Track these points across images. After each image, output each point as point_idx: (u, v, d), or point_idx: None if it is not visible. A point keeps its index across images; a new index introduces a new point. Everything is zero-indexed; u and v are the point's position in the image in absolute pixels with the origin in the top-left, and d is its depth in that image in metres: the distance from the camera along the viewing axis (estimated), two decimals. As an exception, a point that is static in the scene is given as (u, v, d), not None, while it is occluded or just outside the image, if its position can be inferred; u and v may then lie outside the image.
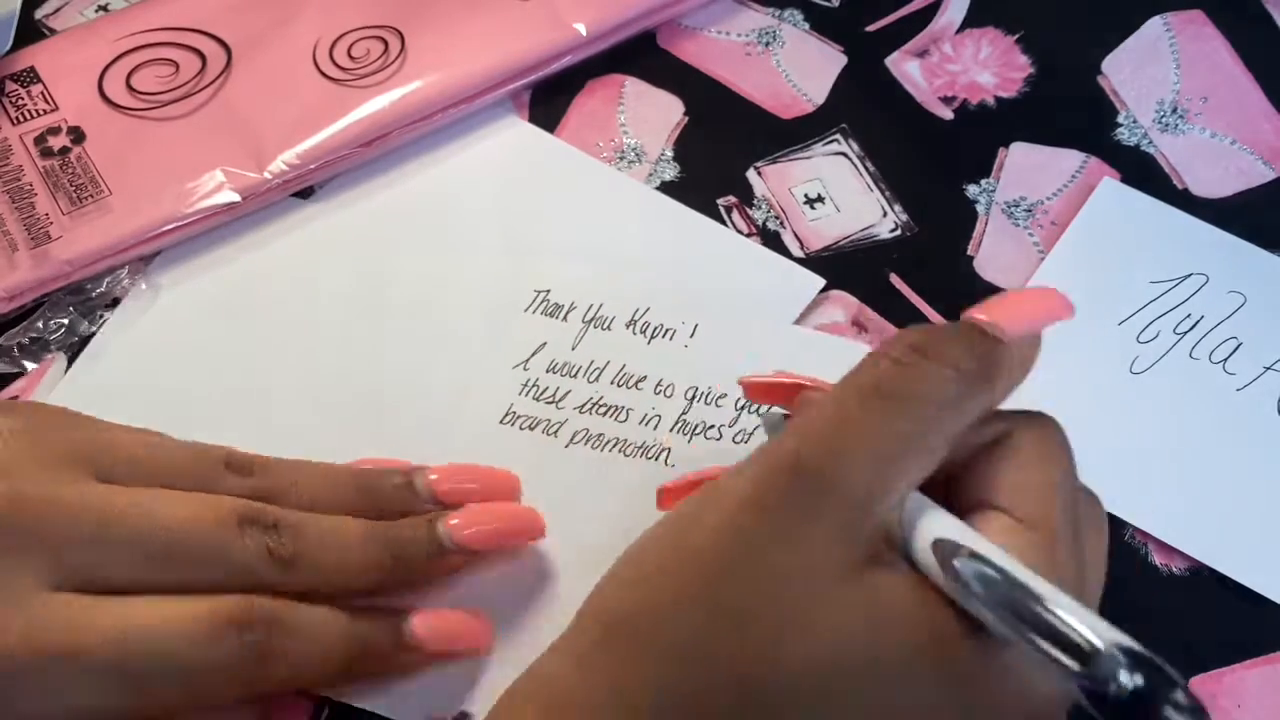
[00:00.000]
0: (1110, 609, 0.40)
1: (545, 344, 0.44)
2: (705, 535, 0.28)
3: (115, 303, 0.45)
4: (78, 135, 0.47)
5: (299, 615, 0.33)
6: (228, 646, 0.31)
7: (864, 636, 0.27)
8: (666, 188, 0.48)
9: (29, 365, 0.44)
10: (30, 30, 0.51)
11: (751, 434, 0.42)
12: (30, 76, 0.48)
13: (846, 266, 0.46)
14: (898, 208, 0.48)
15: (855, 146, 0.49)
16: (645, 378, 0.43)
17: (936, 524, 0.28)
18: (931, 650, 0.27)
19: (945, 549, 0.27)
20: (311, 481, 0.36)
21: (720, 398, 0.42)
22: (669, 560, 0.29)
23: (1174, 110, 0.50)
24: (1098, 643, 0.22)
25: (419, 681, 0.37)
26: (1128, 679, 0.21)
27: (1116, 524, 0.41)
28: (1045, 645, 0.23)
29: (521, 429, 0.42)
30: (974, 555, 0.26)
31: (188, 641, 0.31)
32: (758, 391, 0.36)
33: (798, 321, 0.45)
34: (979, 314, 0.31)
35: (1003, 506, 0.30)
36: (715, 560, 0.28)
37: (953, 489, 0.31)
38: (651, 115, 0.50)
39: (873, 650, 0.27)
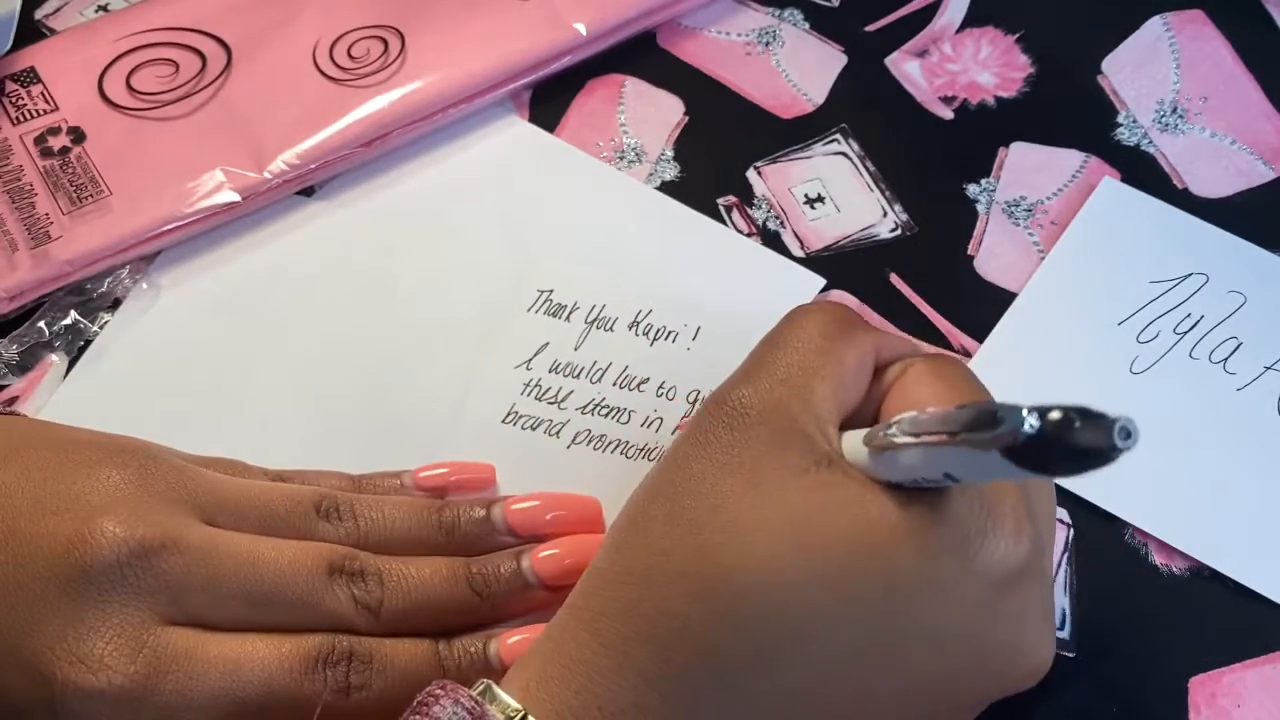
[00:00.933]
0: (1111, 609, 0.40)
1: (548, 344, 0.44)
2: (657, 471, 0.33)
3: (116, 303, 0.45)
4: (78, 135, 0.47)
5: (383, 650, 0.35)
6: (317, 680, 0.34)
7: (809, 524, 0.29)
8: (667, 187, 0.48)
9: (29, 366, 0.44)
10: (30, 30, 0.51)
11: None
12: (30, 76, 0.48)
13: (846, 266, 0.46)
14: (898, 207, 0.48)
15: (855, 146, 0.49)
16: (648, 380, 0.43)
17: (861, 433, 0.31)
18: (870, 534, 0.29)
19: (871, 436, 0.30)
20: (395, 522, 0.38)
21: None
22: (634, 502, 0.33)
23: (1174, 110, 0.50)
24: (1005, 407, 0.24)
25: None
26: (1031, 420, 0.23)
27: (1117, 524, 0.41)
28: (964, 438, 0.25)
29: (523, 429, 0.42)
30: (889, 424, 0.29)
31: (287, 673, 0.34)
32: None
33: (798, 321, 0.45)
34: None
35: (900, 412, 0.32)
36: (666, 487, 0.31)
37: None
38: (651, 115, 0.50)
39: (816, 538, 0.29)
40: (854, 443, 0.31)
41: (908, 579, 0.29)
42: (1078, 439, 0.22)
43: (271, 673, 0.33)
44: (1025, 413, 0.23)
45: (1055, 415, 0.22)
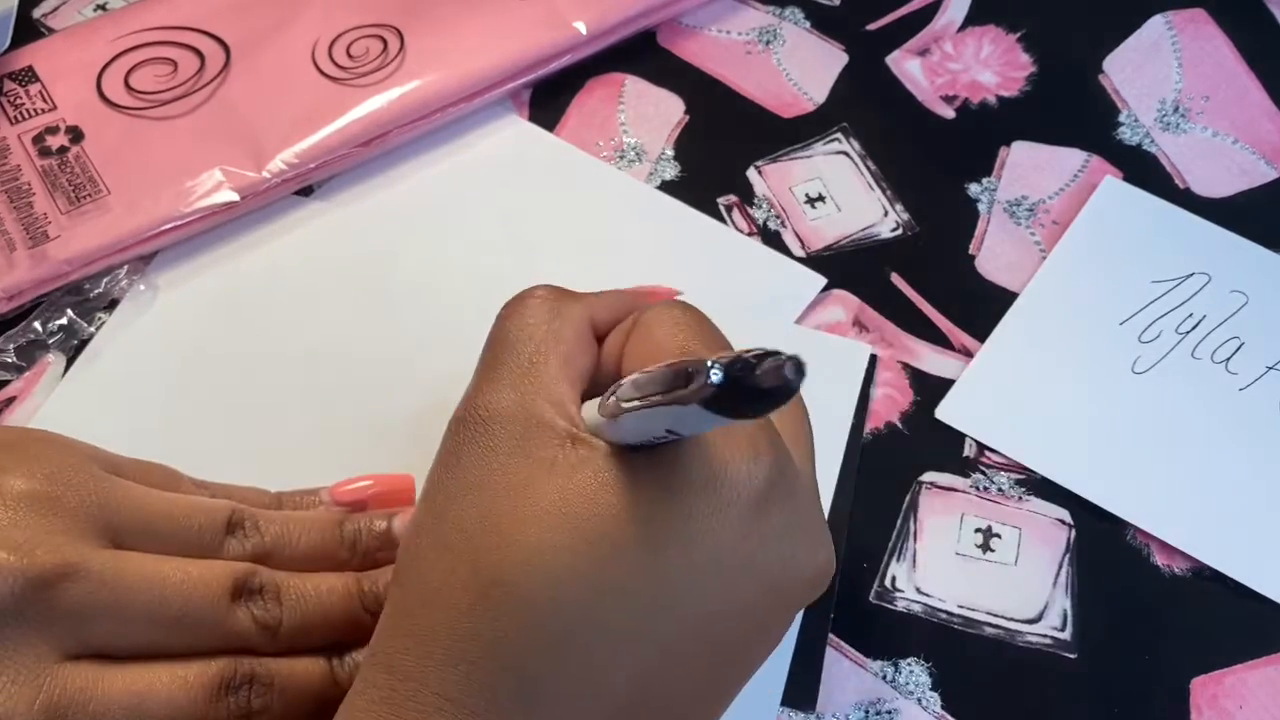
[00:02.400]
0: (1113, 610, 0.40)
1: (545, 344, 0.44)
2: (420, 504, 0.33)
3: (113, 304, 0.45)
4: (76, 135, 0.47)
5: (282, 671, 0.35)
6: (221, 708, 0.33)
7: (567, 508, 0.30)
8: (667, 187, 0.48)
9: (26, 366, 0.44)
10: (28, 29, 0.51)
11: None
12: (28, 76, 0.48)
13: (847, 266, 0.46)
14: (899, 207, 0.47)
15: (856, 145, 0.49)
16: (646, 378, 0.43)
17: (596, 404, 0.32)
18: (621, 498, 0.29)
19: (603, 406, 0.30)
20: (300, 537, 0.38)
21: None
22: (405, 542, 0.33)
23: (1175, 109, 0.50)
24: (695, 364, 0.25)
25: None
26: (715, 371, 0.24)
27: (1118, 524, 0.41)
28: (669, 397, 0.26)
29: (522, 429, 0.42)
30: (616, 388, 0.30)
31: (192, 702, 0.33)
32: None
33: (799, 320, 0.45)
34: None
35: (636, 368, 0.32)
36: (429, 518, 0.32)
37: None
38: (652, 114, 0.50)
39: (577, 519, 0.29)
40: (593, 412, 0.32)
41: (665, 530, 0.30)
42: (758, 382, 0.23)
43: (177, 705, 0.33)
44: (710, 365, 0.24)
45: (735, 362, 0.24)
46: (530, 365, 0.33)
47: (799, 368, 0.24)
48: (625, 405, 0.29)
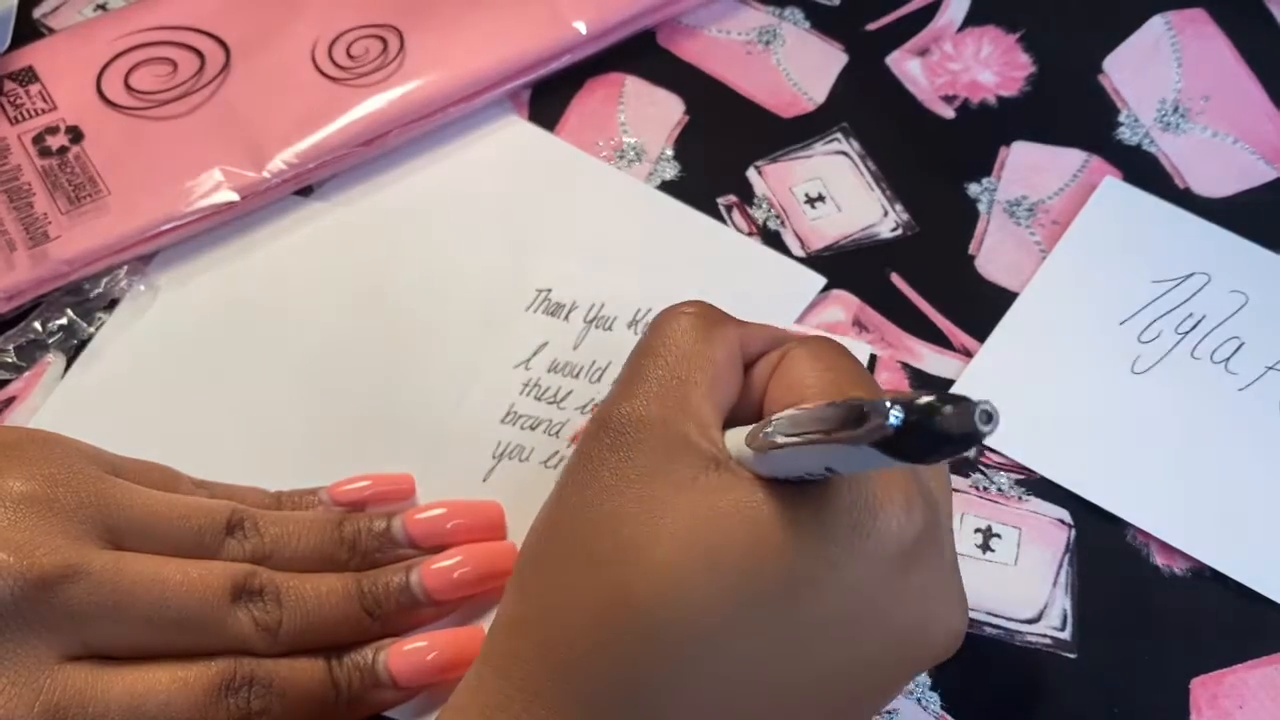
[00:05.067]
0: (1112, 610, 0.40)
1: (546, 344, 0.44)
2: (551, 503, 0.32)
3: (113, 304, 0.45)
4: (76, 135, 0.47)
5: (281, 672, 0.35)
6: (221, 710, 0.33)
7: (704, 532, 0.29)
8: (667, 187, 0.48)
9: (26, 366, 0.44)
10: (28, 29, 0.51)
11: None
12: (28, 76, 0.48)
13: (847, 266, 0.46)
14: (899, 207, 0.47)
15: (856, 145, 0.49)
16: (646, 378, 0.43)
17: (743, 433, 0.31)
18: (763, 533, 0.29)
19: (752, 435, 0.30)
20: (300, 538, 0.38)
21: None
22: (532, 540, 0.33)
23: (1175, 109, 0.50)
24: (871, 403, 0.24)
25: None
26: (895, 413, 0.23)
27: (1118, 524, 0.41)
28: (836, 436, 0.26)
29: (523, 429, 0.42)
30: (769, 421, 0.29)
31: (192, 704, 0.33)
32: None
33: (799, 320, 0.45)
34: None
35: (798, 400, 0.31)
36: (561, 519, 0.31)
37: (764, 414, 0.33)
38: (651, 114, 0.50)
39: (712, 545, 0.29)
40: (738, 441, 0.31)
41: (805, 572, 0.29)
42: (942, 427, 0.23)
43: (176, 706, 0.33)
44: (890, 405, 0.23)
45: (920, 404, 0.23)
46: (678, 382, 0.32)
47: (990, 416, 0.22)
48: (783, 440, 0.28)
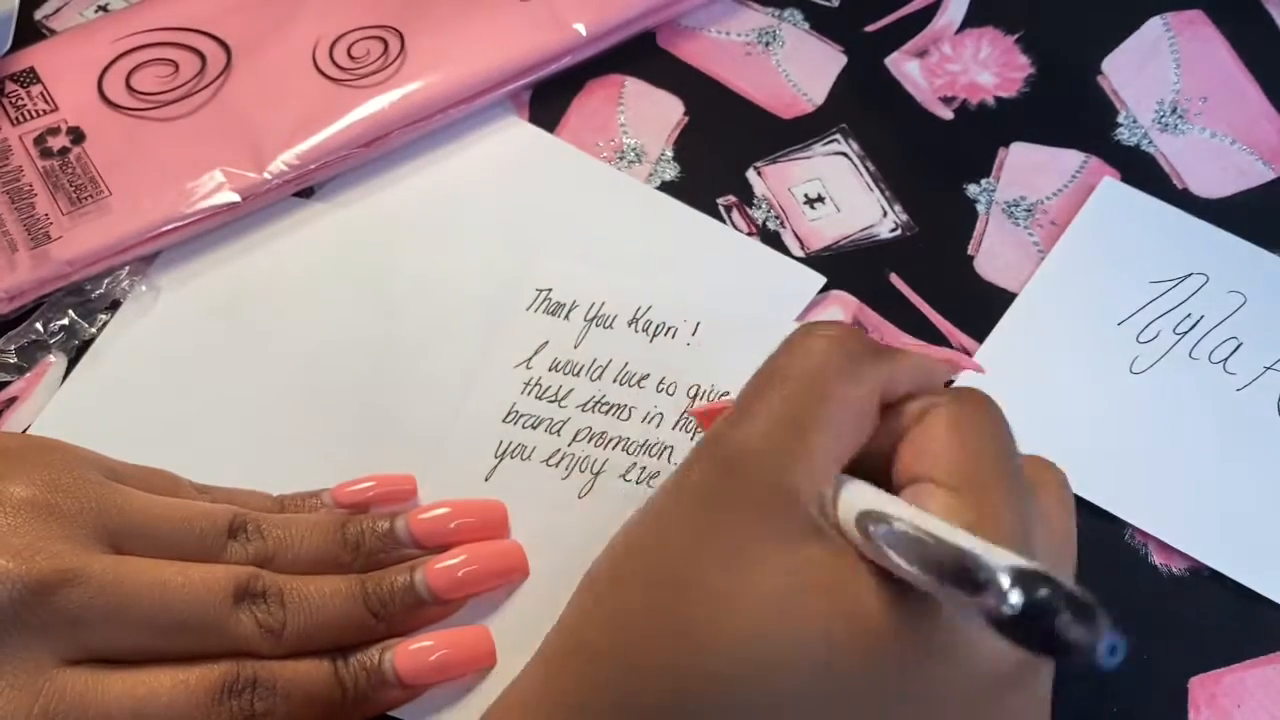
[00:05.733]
0: (1111, 609, 0.40)
1: (547, 343, 0.44)
2: (645, 514, 0.30)
3: (115, 304, 0.45)
4: (77, 135, 0.47)
5: (285, 674, 0.35)
6: (223, 712, 0.33)
7: (792, 602, 0.27)
8: (666, 187, 0.48)
9: (27, 367, 0.44)
10: (30, 31, 0.51)
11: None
12: (30, 77, 0.48)
13: (846, 266, 0.46)
14: (898, 207, 0.48)
15: (855, 146, 0.49)
16: (648, 376, 0.43)
17: (859, 497, 0.28)
18: (857, 626, 0.27)
19: (865, 518, 0.27)
20: (302, 539, 0.37)
21: (723, 395, 0.42)
22: (612, 562, 0.31)
23: (1174, 110, 0.50)
24: (990, 570, 0.22)
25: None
26: (1011, 594, 0.21)
27: (1116, 524, 0.41)
28: (948, 582, 0.24)
29: (524, 427, 0.42)
30: (885, 517, 0.27)
31: (194, 706, 0.33)
32: (705, 417, 0.39)
33: (799, 320, 0.45)
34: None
35: (929, 475, 0.30)
36: (650, 539, 0.30)
37: (892, 469, 0.31)
38: (651, 115, 0.50)
39: (799, 619, 0.27)
40: (850, 506, 0.28)
41: (894, 679, 0.27)
42: (1061, 631, 0.21)
43: (178, 708, 0.33)
44: (1009, 584, 0.21)
45: (1041, 594, 0.21)
46: (800, 420, 0.29)
47: (1114, 649, 0.21)
48: (894, 558, 0.26)
